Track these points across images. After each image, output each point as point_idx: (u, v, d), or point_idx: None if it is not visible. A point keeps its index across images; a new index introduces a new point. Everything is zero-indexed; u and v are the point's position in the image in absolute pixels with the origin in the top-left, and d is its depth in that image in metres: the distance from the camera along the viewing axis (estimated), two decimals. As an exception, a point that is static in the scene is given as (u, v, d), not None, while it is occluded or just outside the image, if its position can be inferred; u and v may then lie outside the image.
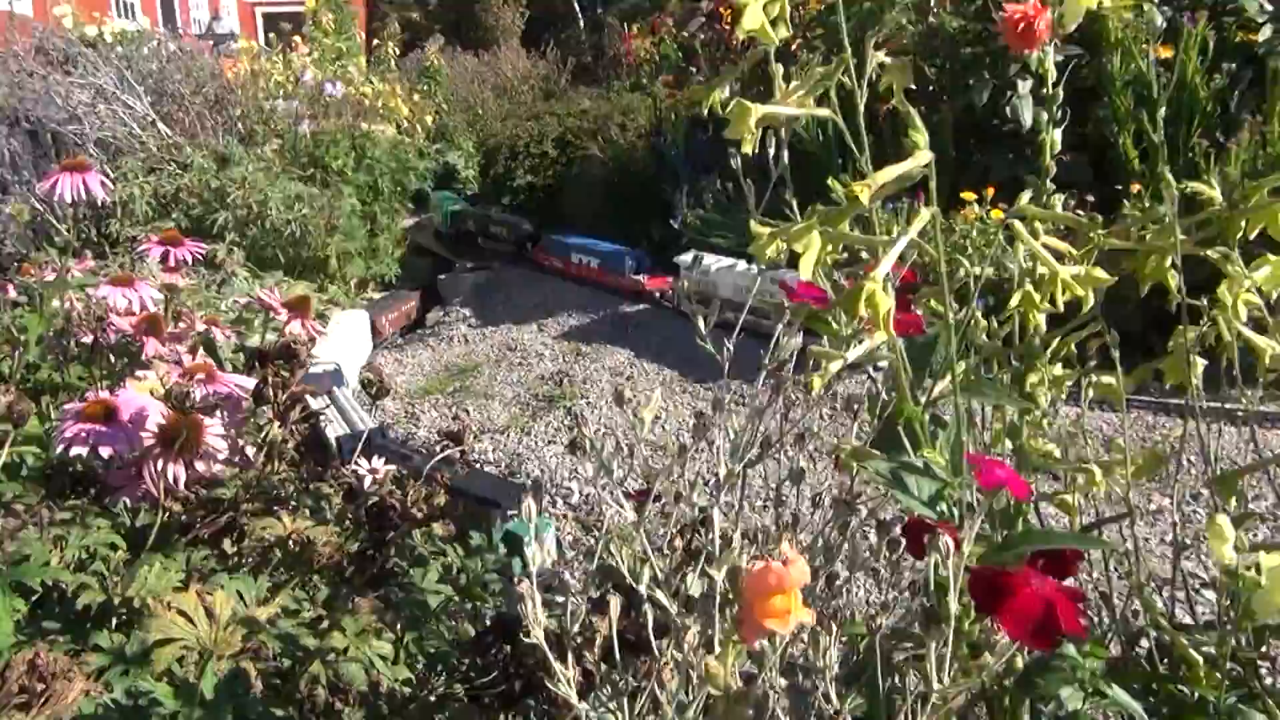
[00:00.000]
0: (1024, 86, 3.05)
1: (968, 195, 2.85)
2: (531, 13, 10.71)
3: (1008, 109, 3.05)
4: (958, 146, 3.27)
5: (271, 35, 7.33)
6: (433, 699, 0.89)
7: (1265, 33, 2.94)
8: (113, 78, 3.80)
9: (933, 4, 3.40)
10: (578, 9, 9.56)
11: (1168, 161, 2.91)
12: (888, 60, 0.75)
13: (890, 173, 0.59)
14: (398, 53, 7.27)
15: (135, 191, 3.25)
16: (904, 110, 0.64)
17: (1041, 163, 0.76)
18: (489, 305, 3.68)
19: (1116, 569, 0.99)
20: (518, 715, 0.84)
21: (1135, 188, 2.74)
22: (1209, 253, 0.79)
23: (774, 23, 0.80)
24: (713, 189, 3.53)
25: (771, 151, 0.81)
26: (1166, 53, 2.93)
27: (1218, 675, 0.73)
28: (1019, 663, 0.76)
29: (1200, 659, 0.74)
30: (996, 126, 3.24)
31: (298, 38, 5.88)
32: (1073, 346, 0.90)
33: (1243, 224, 0.81)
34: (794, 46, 3.69)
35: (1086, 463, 0.89)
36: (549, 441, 2.46)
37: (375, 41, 7.36)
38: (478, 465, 2.23)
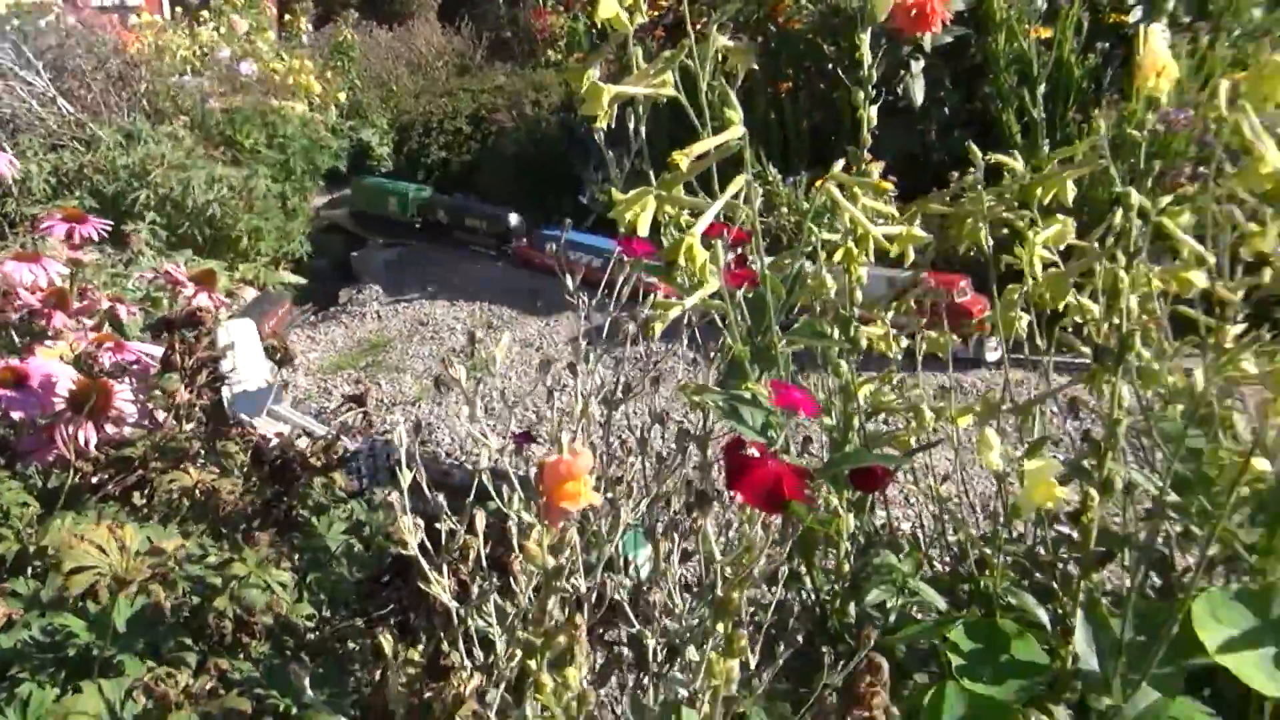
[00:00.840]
0: (916, 66, 3.19)
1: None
2: (447, -14, 10.57)
3: (900, 87, 3.19)
4: (855, 121, 3.41)
5: (178, 9, 7.16)
6: (332, 631, 0.97)
7: (1136, 14, 3.13)
8: (9, 53, 3.72)
9: (832, -14, 3.52)
10: (494, -20, 9.50)
11: (1047, 136, 3.09)
12: (731, 44, 0.85)
13: (707, 144, 0.68)
14: (310, 27, 7.17)
15: (34, 169, 3.20)
16: (721, 89, 0.73)
17: (858, 136, 0.87)
18: (402, 281, 3.72)
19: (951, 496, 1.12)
20: (412, 639, 0.93)
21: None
22: (1007, 214, 0.90)
23: (630, 10, 0.90)
24: (621, 164, 3.61)
25: (631, 125, 0.91)
26: (1046, 33, 3.10)
27: (1011, 573, 0.86)
28: (846, 568, 0.88)
29: (997, 560, 0.86)
30: (892, 103, 3.38)
31: (205, 11, 5.78)
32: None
33: (1038, 190, 0.93)
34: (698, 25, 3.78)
35: (918, 408, 1.01)
36: (458, 412, 2.53)
37: (286, 16, 7.24)
38: (386, 435, 2.30)
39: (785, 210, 3.10)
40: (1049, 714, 0.71)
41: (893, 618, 0.85)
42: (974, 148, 0.91)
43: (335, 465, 1.02)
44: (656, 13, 4.20)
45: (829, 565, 0.92)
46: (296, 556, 0.93)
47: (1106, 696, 0.67)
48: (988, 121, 3.24)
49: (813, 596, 0.88)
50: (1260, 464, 0.77)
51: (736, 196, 0.71)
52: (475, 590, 0.69)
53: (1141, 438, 0.98)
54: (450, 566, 0.71)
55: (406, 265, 3.95)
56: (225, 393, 1.23)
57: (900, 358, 1.04)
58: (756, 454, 0.64)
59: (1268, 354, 0.74)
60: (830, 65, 3.51)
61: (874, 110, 0.89)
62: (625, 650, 0.83)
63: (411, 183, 4.51)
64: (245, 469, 1.07)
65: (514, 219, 3.89)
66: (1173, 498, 0.78)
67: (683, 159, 0.67)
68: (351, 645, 0.92)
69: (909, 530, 1.23)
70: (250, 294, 3.36)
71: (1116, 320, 0.73)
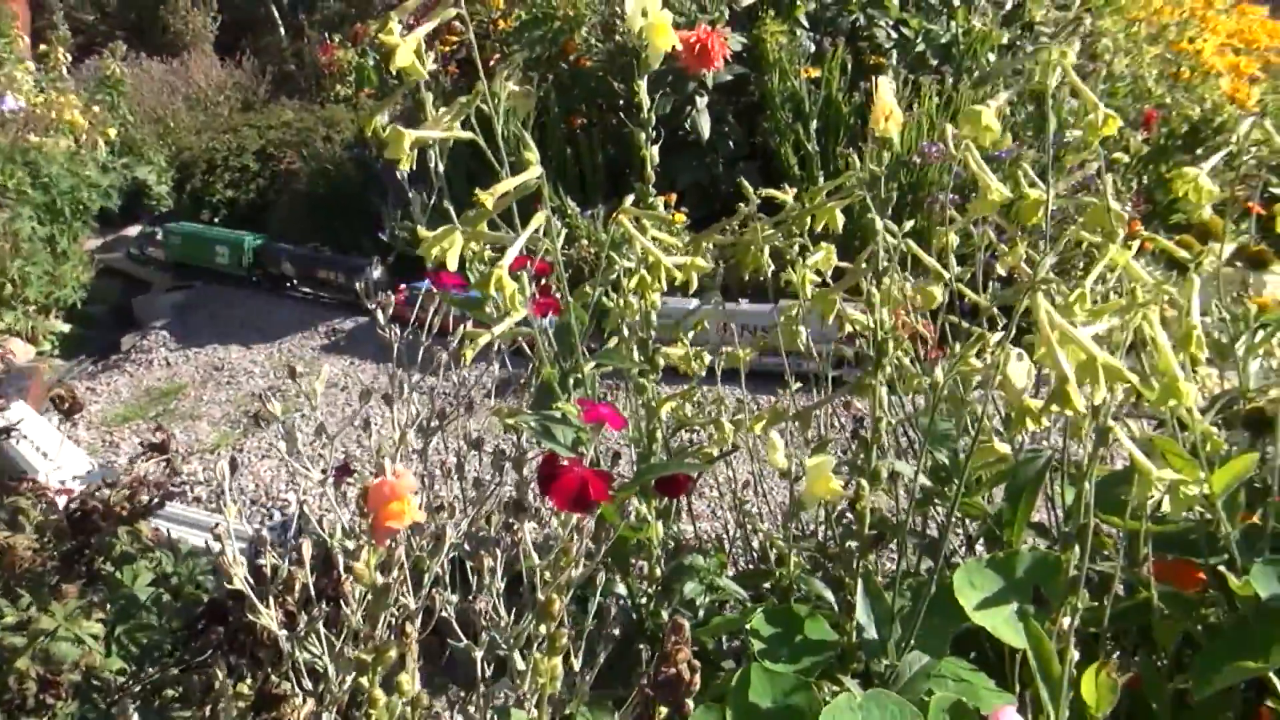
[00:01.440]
0: (701, 102, 3.37)
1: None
2: (225, 17, 10.14)
3: (688, 121, 3.36)
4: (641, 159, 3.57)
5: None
6: (148, 684, 0.95)
7: (892, 57, 3.44)
8: None
9: (618, 24, 3.67)
10: (276, 15, 9.20)
11: (821, 168, 3.34)
12: (515, 89, 0.90)
13: (508, 184, 0.74)
14: (69, 59, 6.70)
15: None
16: (519, 133, 0.79)
17: (643, 173, 0.95)
18: (192, 325, 3.55)
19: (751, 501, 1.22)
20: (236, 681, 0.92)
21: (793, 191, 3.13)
22: (780, 244, 1.01)
23: (419, 57, 0.94)
24: (421, 200, 3.61)
25: (432, 165, 0.95)
26: (815, 73, 3.36)
27: (805, 565, 0.96)
28: (658, 573, 0.95)
29: (790, 553, 0.95)
30: (683, 137, 3.55)
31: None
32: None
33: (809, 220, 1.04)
34: (492, 61, 3.84)
35: (717, 420, 1.10)
36: (263, 457, 2.45)
37: (42, 46, 6.74)
38: (186, 487, 2.21)
39: (585, 242, 3.20)
40: (839, 683, 0.80)
41: (702, 614, 0.92)
42: (745, 183, 1.00)
43: (140, 514, 0.99)
44: (448, 48, 4.23)
45: (644, 572, 0.98)
46: (106, 607, 0.91)
47: (884, 658, 0.77)
48: (769, 155, 3.46)
49: (629, 601, 0.94)
50: (1002, 448, 0.90)
51: (538, 231, 0.77)
52: (303, 620, 0.70)
53: (909, 433, 1.10)
54: (277, 599, 0.72)
55: (196, 308, 3.77)
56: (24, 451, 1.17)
57: (703, 374, 1.13)
58: (566, 464, 0.69)
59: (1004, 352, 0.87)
60: (621, 101, 3.66)
61: (655, 150, 0.96)
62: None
63: (246, 231, 4.04)
64: (39, 524, 1.03)
65: (377, 271, 3.45)
66: (928, 484, 0.90)
67: (487, 198, 0.72)
68: (170, 692, 0.90)
69: (716, 536, 1.32)
70: (18, 345, 3.12)
71: (875, 331, 0.84)
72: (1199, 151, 3.29)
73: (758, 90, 3.50)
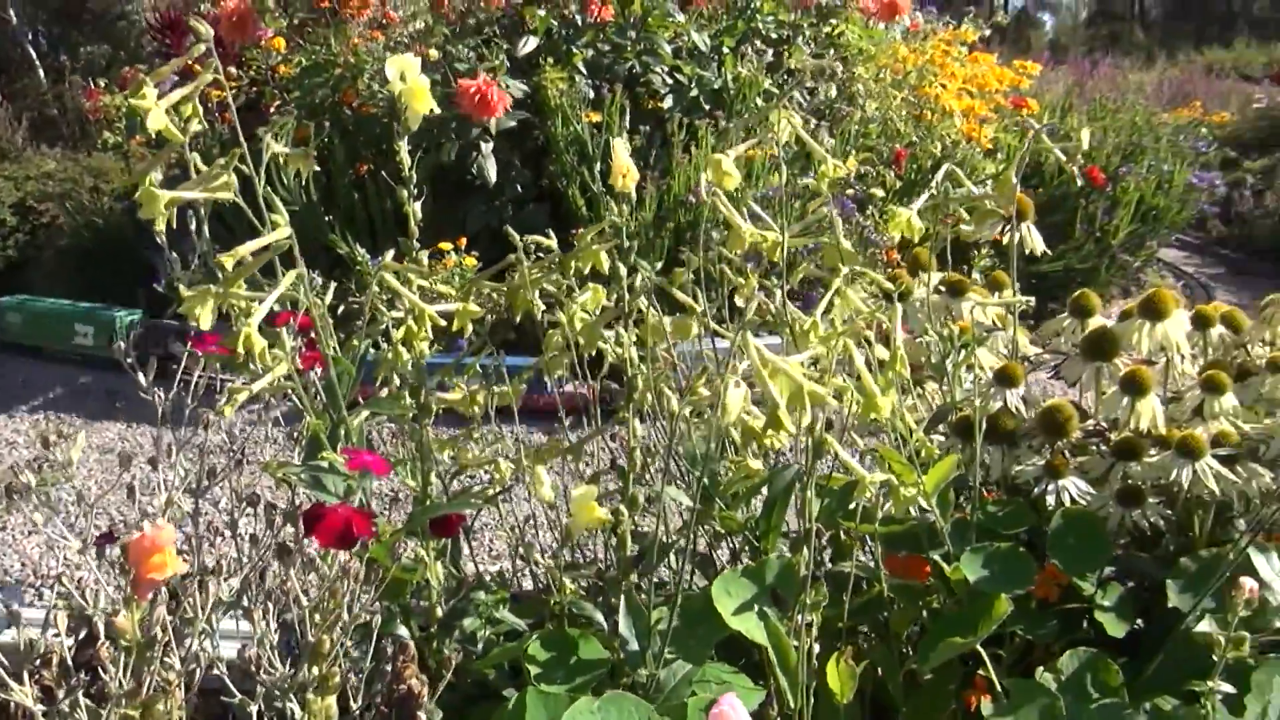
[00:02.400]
0: (486, 147, 3.43)
1: (445, 245, 3.15)
2: (-29, 59, 9.32)
3: (474, 167, 3.41)
4: (439, 200, 3.58)
5: None
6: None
7: (668, 101, 3.62)
8: None
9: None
10: (34, 55, 8.58)
11: (608, 208, 3.47)
12: (288, 150, 0.93)
13: (252, 245, 0.76)
14: None
15: None
16: (266, 194, 0.81)
17: (406, 227, 0.99)
18: (-60, 395, 3.26)
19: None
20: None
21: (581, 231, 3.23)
22: (549, 286, 1.07)
23: (186, 120, 0.95)
24: (199, 252, 3.47)
25: (194, 225, 0.95)
26: (596, 117, 3.48)
27: (583, 591, 1.01)
28: (439, 611, 0.98)
29: (568, 580, 1.01)
30: (470, 181, 3.59)
31: None
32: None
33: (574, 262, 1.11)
34: (272, 108, 3.76)
35: (493, 459, 1.15)
36: (29, 533, 2.29)
37: None
38: (-59, 569, 2.03)
39: (378, 289, 3.17)
40: (611, 697, 0.86)
41: (482, 646, 0.96)
42: (511, 231, 1.06)
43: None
44: (225, 95, 4.10)
45: (426, 611, 1.01)
46: None
47: (644, 669, 0.83)
48: (558, 197, 3.56)
49: (410, 639, 0.97)
50: (754, 465, 0.99)
51: (293, 287, 0.80)
52: (62, 693, 0.69)
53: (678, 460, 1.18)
54: (33, 674, 0.71)
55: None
56: None
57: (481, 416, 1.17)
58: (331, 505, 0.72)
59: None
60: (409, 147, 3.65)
61: (418, 206, 1.01)
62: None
63: (119, 307, 3.55)
64: None
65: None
66: (688, 503, 0.97)
67: (229, 260, 0.75)
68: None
69: (499, 572, 1.36)
70: None
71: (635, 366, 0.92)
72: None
73: (542, 135, 3.60)
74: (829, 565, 1.12)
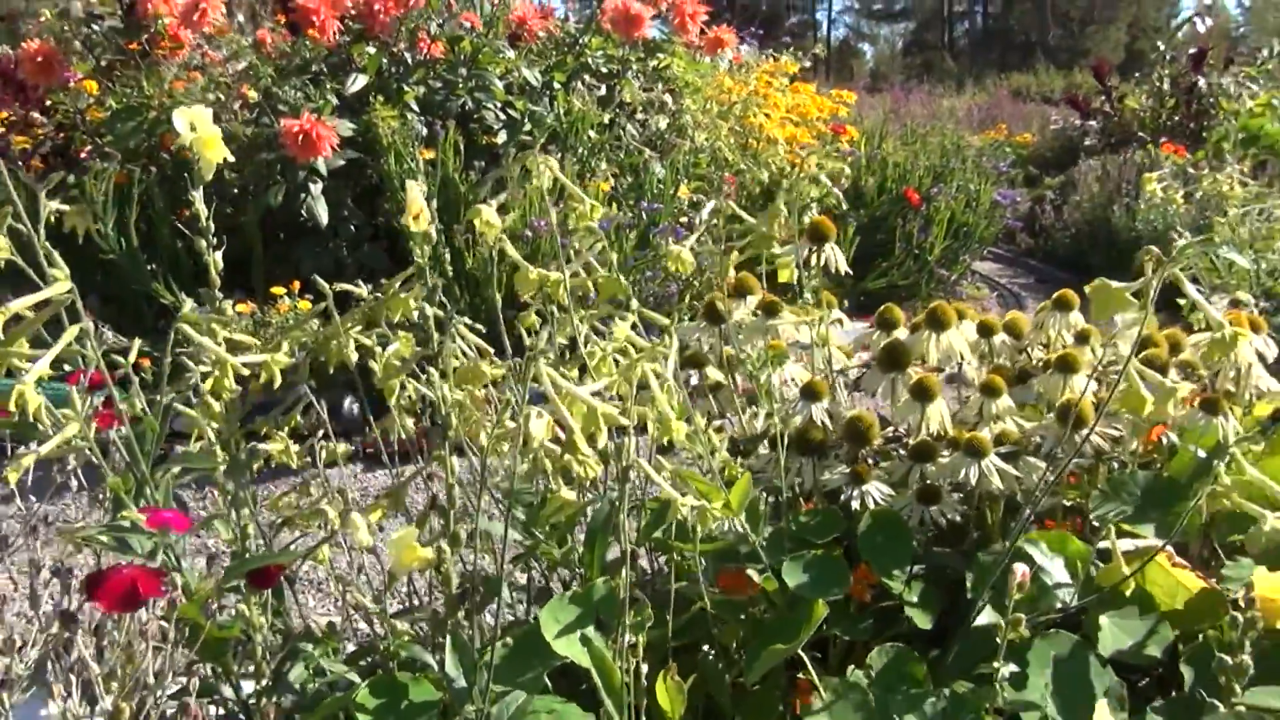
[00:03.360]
0: (315, 188, 3.36)
1: (278, 290, 3.06)
2: None
3: (304, 208, 3.33)
4: (270, 244, 3.48)
5: None
6: None
7: (502, 136, 3.64)
8: None
9: (223, 116, 3.57)
10: None
11: (446, 245, 3.45)
12: (65, 207, 0.90)
13: (25, 302, 0.74)
14: None
15: None
16: (44, 248, 0.78)
17: (207, 278, 0.97)
18: None
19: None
20: None
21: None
22: (362, 339, 1.07)
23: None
24: None
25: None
26: (430, 155, 3.47)
27: (416, 633, 1.01)
28: (266, 668, 0.96)
29: (401, 624, 1.00)
30: (303, 224, 3.51)
31: None
32: (298, 419, 1.14)
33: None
34: (83, 153, 3.58)
35: (319, 509, 1.13)
36: None
37: None
38: None
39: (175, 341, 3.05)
40: (442, 737, 0.86)
41: (311, 699, 0.94)
42: (319, 280, 1.06)
43: None
44: (31, 141, 3.88)
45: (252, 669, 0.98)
46: None
47: (472, 705, 0.84)
48: (395, 235, 3.51)
49: (236, 698, 0.94)
50: (567, 495, 1.01)
51: (78, 341, 0.77)
52: None
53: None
54: None
55: None
56: None
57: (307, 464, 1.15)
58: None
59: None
60: (235, 190, 3.54)
61: (220, 255, 0.99)
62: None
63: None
64: None
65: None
66: (516, 536, 0.99)
67: (2, 316, 0.72)
68: None
69: (329, 622, 1.33)
70: None
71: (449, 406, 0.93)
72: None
73: (376, 173, 3.56)
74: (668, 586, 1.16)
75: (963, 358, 1.15)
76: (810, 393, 1.14)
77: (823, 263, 1.28)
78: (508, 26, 4.02)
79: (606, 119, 3.78)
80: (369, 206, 3.64)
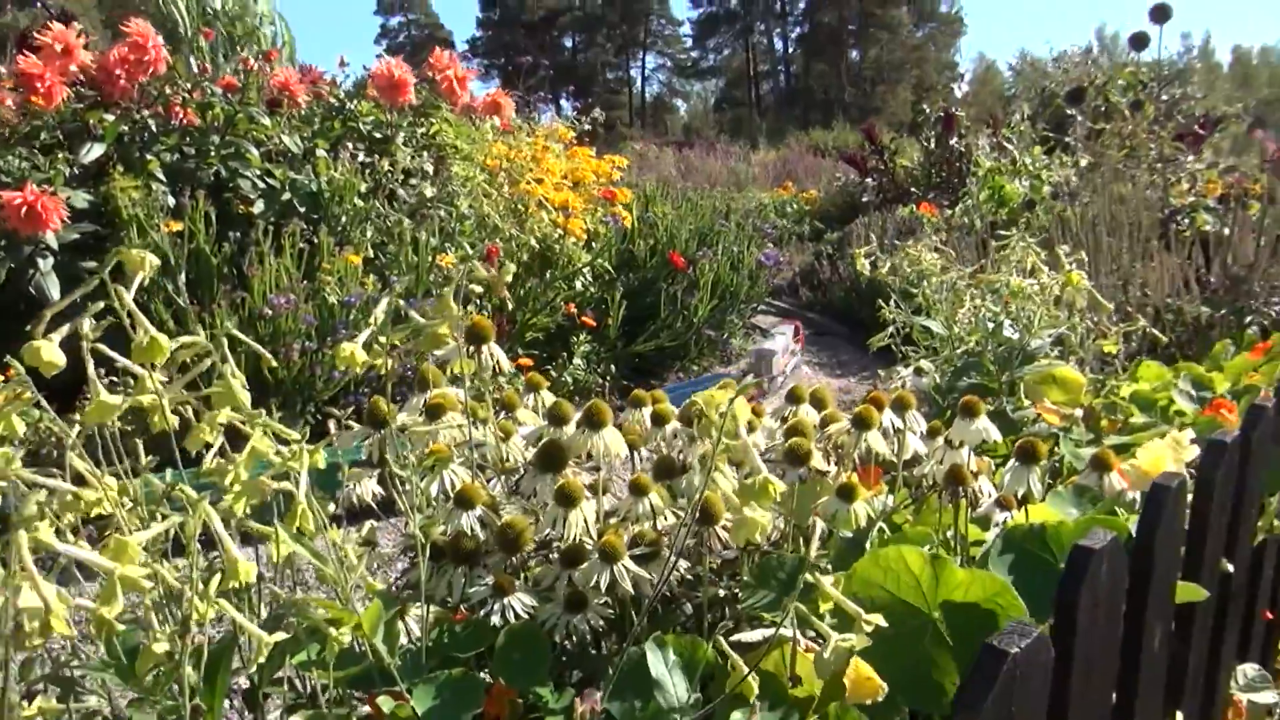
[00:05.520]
0: (46, 264, 3.12)
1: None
2: None
3: (33, 285, 3.09)
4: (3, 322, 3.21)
5: None
6: None
7: (259, 206, 3.50)
8: None
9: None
10: None
11: (198, 320, 3.27)
12: None
13: None
14: None
15: None
16: None
17: None
18: None
19: None
20: None
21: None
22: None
23: None
24: None
25: None
26: (178, 226, 3.29)
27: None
28: None
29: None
30: (35, 301, 3.25)
31: None
32: None
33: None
34: None
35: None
36: None
37: None
38: None
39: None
40: None
41: None
42: (17, 366, 0.95)
43: None
44: None
45: None
46: None
47: None
48: (143, 310, 3.30)
49: None
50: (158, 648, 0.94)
51: None
52: None
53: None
54: None
55: None
56: None
57: None
58: None
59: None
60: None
61: None
62: None
63: None
64: None
65: None
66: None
67: None
68: None
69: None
70: None
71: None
72: (548, 274, 3.81)
73: (115, 247, 3.34)
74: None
75: (618, 457, 1.15)
76: (463, 500, 1.11)
77: (483, 362, 1.26)
78: (269, 92, 3.89)
79: (371, 186, 3.71)
80: (103, 285, 3.40)
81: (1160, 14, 3.67)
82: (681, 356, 3.67)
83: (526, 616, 1.04)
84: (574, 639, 1.08)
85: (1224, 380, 1.99)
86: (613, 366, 3.42)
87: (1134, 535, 0.94)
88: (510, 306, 3.63)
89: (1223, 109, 6.07)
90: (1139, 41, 3.97)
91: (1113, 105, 4.87)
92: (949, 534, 1.22)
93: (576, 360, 3.34)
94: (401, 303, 1.43)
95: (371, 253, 3.33)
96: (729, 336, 3.99)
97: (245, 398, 1.04)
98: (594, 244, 3.90)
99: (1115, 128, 4.67)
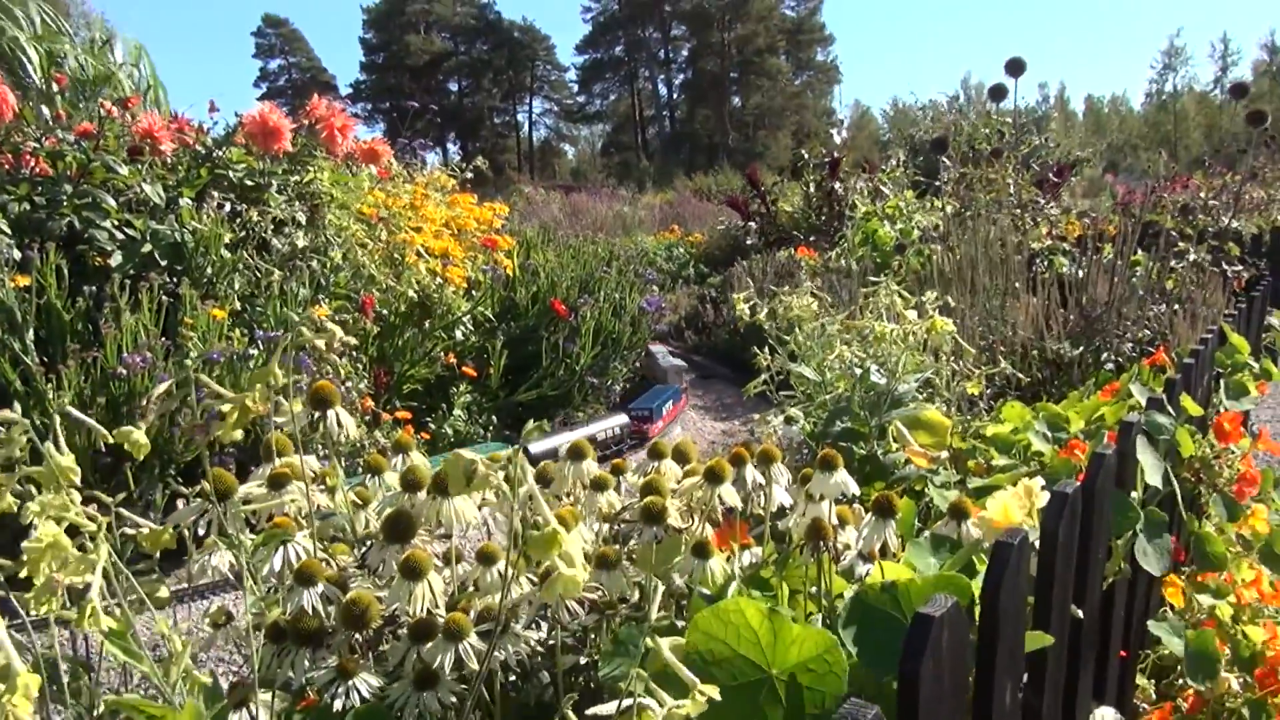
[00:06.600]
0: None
1: None
2: None
3: None
4: None
5: None
6: None
7: (117, 258, 3.34)
8: None
9: None
10: None
11: (48, 381, 3.08)
12: None
13: None
14: None
15: None
16: None
17: None
18: None
19: None
20: None
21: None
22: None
23: None
24: None
25: None
26: (26, 281, 3.10)
27: None
28: None
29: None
30: None
31: None
32: None
33: None
34: None
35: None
36: None
37: None
38: None
39: None
40: None
41: None
42: None
43: None
44: None
45: None
46: None
47: None
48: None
49: None
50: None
51: None
52: None
53: None
54: None
55: None
56: None
57: None
58: None
59: None
60: None
61: None
62: None
63: None
64: None
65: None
66: None
67: None
68: None
69: None
70: None
71: None
72: (427, 324, 3.74)
73: (-41, 303, 3.13)
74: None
75: (468, 522, 1.11)
76: (304, 577, 1.05)
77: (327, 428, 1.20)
78: (131, 139, 3.73)
79: (241, 236, 3.58)
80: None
81: (1015, 68, 3.85)
82: (565, 405, 3.64)
83: (371, 699, 0.98)
84: (427, 718, 1.02)
85: (1079, 419, 2.07)
86: (494, 417, 3.35)
87: (978, 596, 0.95)
88: (388, 357, 3.54)
89: (1076, 154, 6.42)
90: (997, 93, 4.16)
91: (979, 152, 5.10)
92: (813, 589, 1.21)
93: (457, 411, 3.27)
94: (199, 374, 1.36)
95: (240, 305, 3.20)
96: (612, 383, 3.97)
97: (75, 476, 0.98)
98: (475, 292, 3.84)
99: (980, 174, 4.88)
